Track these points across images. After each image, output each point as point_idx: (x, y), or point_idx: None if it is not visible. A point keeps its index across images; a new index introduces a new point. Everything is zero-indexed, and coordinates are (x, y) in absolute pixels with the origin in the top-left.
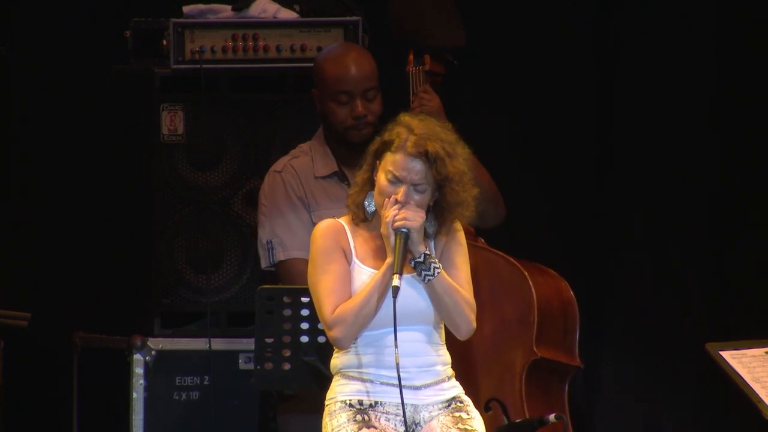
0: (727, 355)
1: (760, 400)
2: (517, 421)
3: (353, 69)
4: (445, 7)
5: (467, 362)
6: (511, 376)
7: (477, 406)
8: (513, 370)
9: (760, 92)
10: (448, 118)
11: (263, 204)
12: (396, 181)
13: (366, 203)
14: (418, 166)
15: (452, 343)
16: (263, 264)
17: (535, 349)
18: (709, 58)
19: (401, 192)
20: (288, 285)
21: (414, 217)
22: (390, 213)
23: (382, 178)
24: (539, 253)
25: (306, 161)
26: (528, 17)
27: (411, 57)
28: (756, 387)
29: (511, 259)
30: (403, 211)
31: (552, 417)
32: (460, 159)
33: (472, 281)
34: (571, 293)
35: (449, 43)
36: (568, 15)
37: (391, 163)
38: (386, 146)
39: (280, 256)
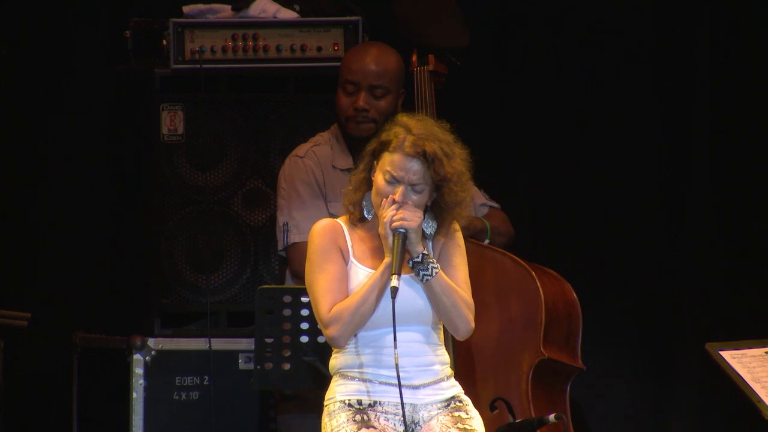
0: (727, 355)
1: (760, 400)
2: (517, 421)
3: (366, 62)
4: (450, 7)
5: (473, 361)
6: (518, 376)
7: (483, 405)
8: (519, 370)
9: (758, 91)
10: (447, 118)
11: (282, 188)
12: (394, 181)
13: (363, 203)
14: (416, 166)
15: (458, 343)
16: (279, 247)
17: (542, 349)
18: (704, 59)
19: (399, 192)
20: (298, 267)
21: (412, 217)
22: (388, 213)
23: (379, 179)
24: (537, 252)
25: (327, 150)
26: (529, 19)
27: (414, 57)
28: (756, 387)
29: (518, 260)
30: (401, 211)
31: (552, 417)
32: (458, 159)
33: (479, 281)
34: (574, 295)
35: (454, 44)
36: (566, 15)
37: (389, 163)
38: (384, 146)
39: (295, 238)
